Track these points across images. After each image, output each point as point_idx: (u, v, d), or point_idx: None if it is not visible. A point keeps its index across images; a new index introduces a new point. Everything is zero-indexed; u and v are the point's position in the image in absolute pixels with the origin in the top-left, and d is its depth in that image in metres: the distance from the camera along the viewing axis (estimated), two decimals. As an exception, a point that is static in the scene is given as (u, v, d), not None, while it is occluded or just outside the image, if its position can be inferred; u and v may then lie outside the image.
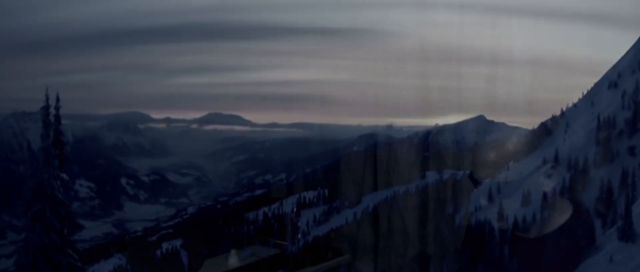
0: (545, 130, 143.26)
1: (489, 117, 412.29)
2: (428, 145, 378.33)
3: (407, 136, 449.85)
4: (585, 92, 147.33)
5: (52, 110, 26.68)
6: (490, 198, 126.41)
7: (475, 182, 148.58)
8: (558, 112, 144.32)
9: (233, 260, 27.01)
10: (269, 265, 30.03)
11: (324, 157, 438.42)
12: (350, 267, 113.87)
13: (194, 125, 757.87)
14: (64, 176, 27.25)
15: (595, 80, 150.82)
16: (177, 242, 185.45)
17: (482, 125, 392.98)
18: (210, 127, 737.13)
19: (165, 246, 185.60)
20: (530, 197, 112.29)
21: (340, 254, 34.15)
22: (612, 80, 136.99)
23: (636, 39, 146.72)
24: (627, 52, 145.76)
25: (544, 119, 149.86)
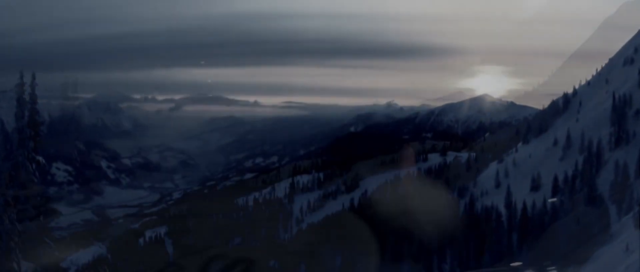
0: (557, 109, 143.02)
1: (496, 96, 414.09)
2: (430, 125, 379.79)
3: (408, 116, 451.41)
4: (599, 69, 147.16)
5: (27, 88, 26.50)
6: (498, 182, 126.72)
7: (481, 165, 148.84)
8: (570, 90, 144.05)
9: None
10: None
11: (319, 139, 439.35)
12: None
13: (180, 105, 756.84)
14: (40, 158, 27.12)
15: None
16: (162, 230, 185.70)
17: (488, 104, 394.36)
18: (196, 107, 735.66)
19: (148, 233, 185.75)
20: (541, 181, 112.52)
21: None
22: (627, 56, 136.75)
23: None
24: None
25: (555, 97, 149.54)
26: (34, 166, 26.62)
